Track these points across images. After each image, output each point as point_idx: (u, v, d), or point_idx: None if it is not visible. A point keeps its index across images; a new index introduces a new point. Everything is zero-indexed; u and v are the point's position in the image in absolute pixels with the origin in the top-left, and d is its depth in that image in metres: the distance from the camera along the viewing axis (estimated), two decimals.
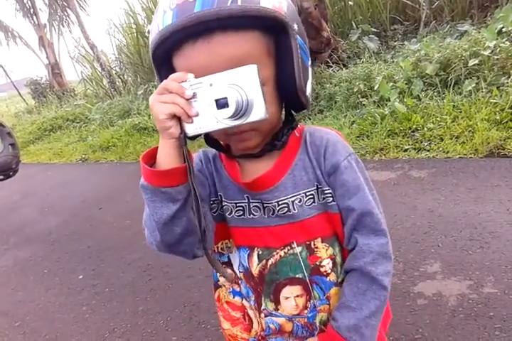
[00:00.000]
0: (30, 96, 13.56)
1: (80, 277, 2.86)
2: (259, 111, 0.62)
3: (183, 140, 0.66)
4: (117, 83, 10.12)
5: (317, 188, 0.80)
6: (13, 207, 4.83)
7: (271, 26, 0.66)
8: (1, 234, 4.00)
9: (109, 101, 8.89)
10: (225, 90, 0.61)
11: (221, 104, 0.61)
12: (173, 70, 0.69)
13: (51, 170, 6.44)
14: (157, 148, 0.69)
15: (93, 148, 6.75)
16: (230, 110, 0.61)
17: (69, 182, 5.46)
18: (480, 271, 1.97)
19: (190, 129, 0.65)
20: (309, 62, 0.76)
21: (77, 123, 8.62)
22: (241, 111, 0.61)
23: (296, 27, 0.69)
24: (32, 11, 13.00)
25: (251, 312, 0.91)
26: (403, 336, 1.71)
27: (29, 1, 12.87)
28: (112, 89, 9.85)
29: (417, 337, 1.70)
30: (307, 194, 0.79)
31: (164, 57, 0.70)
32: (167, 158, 0.67)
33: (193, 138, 0.69)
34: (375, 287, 0.78)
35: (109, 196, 4.43)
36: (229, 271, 0.90)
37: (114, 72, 10.38)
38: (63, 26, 13.98)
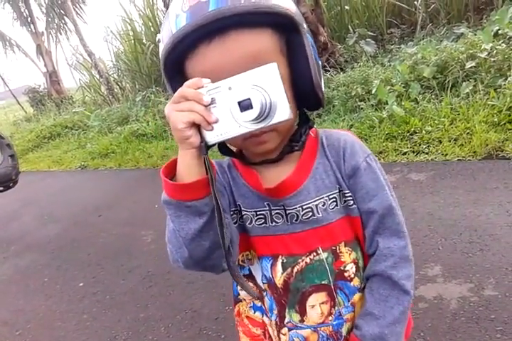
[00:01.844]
0: (29, 104, 13.59)
1: (81, 285, 2.85)
2: (283, 112, 0.59)
3: (204, 149, 0.63)
4: (115, 90, 10.15)
5: (339, 191, 0.78)
6: (13, 215, 4.81)
7: (282, 24, 0.66)
8: (1, 243, 3.98)
9: (108, 108, 8.90)
10: (248, 91, 0.58)
11: (245, 105, 0.58)
12: (186, 80, 0.66)
13: (50, 177, 6.43)
14: (175, 160, 0.67)
15: (92, 155, 6.74)
16: (254, 111, 0.58)
17: (68, 190, 5.45)
18: (480, 273, 1.97)
19: (211, 137, 0.62)
20: (319, 61, 0.75)
21: (76, 130, 8.61)
22: (265, 113, 0.58)
23: (305, 26, 0.69)
24: (29, 19, 13.08)
25: (270, 330, 0.88)
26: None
27: (26, 10, 12.95)
28: (110, 96, 9.87)
29: (419, 340, 1.69)
30: (330, 197, 0.78)
31: (176, 64, 0.68)
32: (189, 169, 0.65)
33: (211, 146, 0.66)
34: (396, 292, 0.76)
35: (108, 203, 4.42)
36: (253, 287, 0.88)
37: (112, 79, 10.41)
38: (61, 34, 14.11)
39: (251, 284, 0.88)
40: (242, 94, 0.59)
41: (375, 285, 0.78)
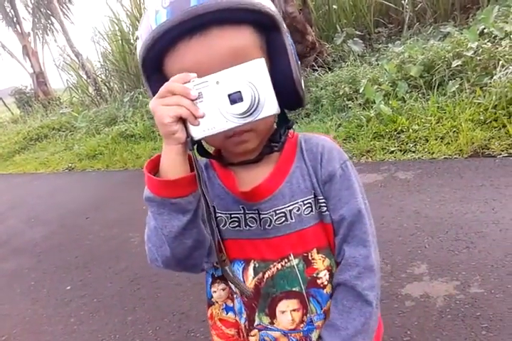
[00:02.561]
0: (15, 106, 13.46)
1: (68, 288, 2.82)
2: (271, 106, 0.59)
3: (191, 144, 0.62)
4: (103, 90, 10.08)
5: (314, 196, 0.78)
6: None
7: (262, 23, 0.66)
8: None
9: (95, 108, 8.84)
10: (237, 84, 0.58)
11: (234, 98, 0.58)
12: (164, 78, 0.67)
13: (37, 180, 6.37)
14: (159, 156, 0.66)
15: (80, 157, 6.69)
16: (244, 104, 0.58)
17: (56, 192, 5.40)
18: (466, 271, 1.98)
19: (197, 132, 0.61)
20: (299, 61, 0.75)
21: (63, 131, 8.55)
22: (253, 106, 0.59)
23: (284, 26, 0.69)
24: (15, 19, 12.96)
25: (244, 330, 0.88)
26: (392, 338, 1.70)
27: (12, 10, 12.83)
28: (98, 97, 9.81)
29: (406, 339, 1.69)
30: (305, 202, 0.77)
31: (155, 61, 0.67)
32: (174, 166, 0.64)
33: (197, 142, 0.66)
34: (360, 303, 0.76)
35: (96, 205, 4.39)
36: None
37: (99, 79, 10.34)
38: (47, 35, 14.00)
39: (223, 285, 0.87)
40: (232, 87, 0.59)
41: (340, 296, 0.78)
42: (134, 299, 2.49)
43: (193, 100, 0.60)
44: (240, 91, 0.58)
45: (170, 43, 0.64)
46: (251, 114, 0.59)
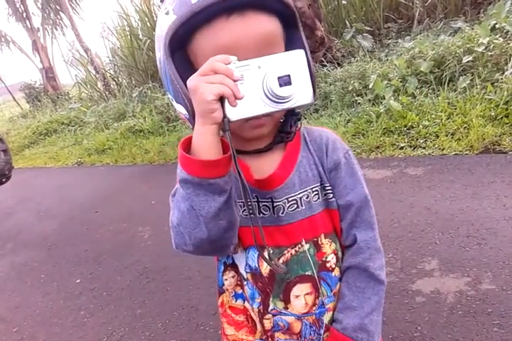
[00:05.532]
0: (25, 101, 13.53)
1: (78, 281, 2.85)
2: (307, 95, 0.63)
3: (227, 125, 0.62)
4: (112, 86, 10.08)
5: (321, 184, 0.82)
6: (9, 212, 4.80)
7: (285, 17, 0.70)
8: None
9: (104, 104, 8.84)
10: (286, 68, 0.61)
11: (284, 81, 0.61)
12: (187, 56, 0.70)
13: (47, 174, 6.41)
14: (190, 137, 0.66)
15: (88, 152, 6.72)
16: (292, 87, 0.61)
17: (65, 186, 5.43)
18: (477, 267, 1.97)
19: (234, 114, 0.62)
20: None
21: (72, 126, 8.58)
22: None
23: (300, 24, 0.73)
24: (25, 15, 13.00)
25: (253, 314, 0.89)
26: (402, 334, 1.70)
27: (22, 5, 12.86)
28: (107, 92, 9.81)
29: (416, 334, 1.69)
30: (313, 190, 0.81)
31: (185, 37, 0.68)
32: (209, 147, 0.64)
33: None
34: (373, 283, 0.80)
35: (105, 199, 4.41)
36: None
37: (108, 74, 10.34)
38: (56, 30, 14.05)
39: (233, 273, 0.89)
40: (280, 70, 0.61)
41: (352, 278, 0.83)
42: (143, 292, 2.50)
43: (235, 81, 0.61)
44: (289, 75, 0.61)
45: (206, 19, 0.65)
46: (289, 100, 0.62)
